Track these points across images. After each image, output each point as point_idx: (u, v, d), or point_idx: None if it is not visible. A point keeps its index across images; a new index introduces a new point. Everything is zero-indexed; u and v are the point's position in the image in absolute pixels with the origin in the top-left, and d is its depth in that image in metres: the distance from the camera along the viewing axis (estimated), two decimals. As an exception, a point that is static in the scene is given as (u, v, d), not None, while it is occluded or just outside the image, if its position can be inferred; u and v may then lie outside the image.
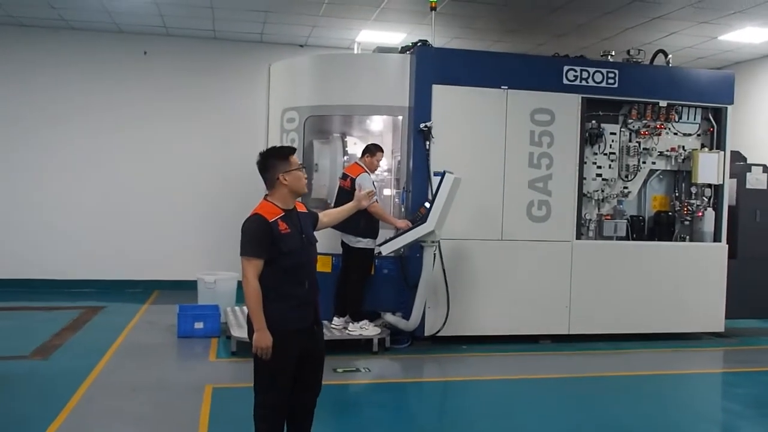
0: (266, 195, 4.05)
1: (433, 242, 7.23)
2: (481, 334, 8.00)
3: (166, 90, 11.39)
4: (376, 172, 7.82)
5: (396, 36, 10.77)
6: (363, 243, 7.37)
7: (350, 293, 7.48)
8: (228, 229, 10.90)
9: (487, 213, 7.94)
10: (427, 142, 7.75)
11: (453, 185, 7.00)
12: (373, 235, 7.44)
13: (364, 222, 7.31)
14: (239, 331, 7.28)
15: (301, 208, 4.17)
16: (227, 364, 7.07)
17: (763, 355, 8.23)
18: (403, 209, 8.00)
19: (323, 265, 8.00)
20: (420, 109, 7.79)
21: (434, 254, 7.38)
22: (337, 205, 7.52)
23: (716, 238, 8.58)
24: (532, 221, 8.06)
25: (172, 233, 11.38)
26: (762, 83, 11.09)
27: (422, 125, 7.72)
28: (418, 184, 7.80)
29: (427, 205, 7.58)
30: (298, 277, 3.96)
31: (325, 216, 4.48)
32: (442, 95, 7.80)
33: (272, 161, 4.01)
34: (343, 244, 7.55)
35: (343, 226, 7.30)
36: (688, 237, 8.65)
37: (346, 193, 7.41)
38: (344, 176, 7.60)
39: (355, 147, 8.70)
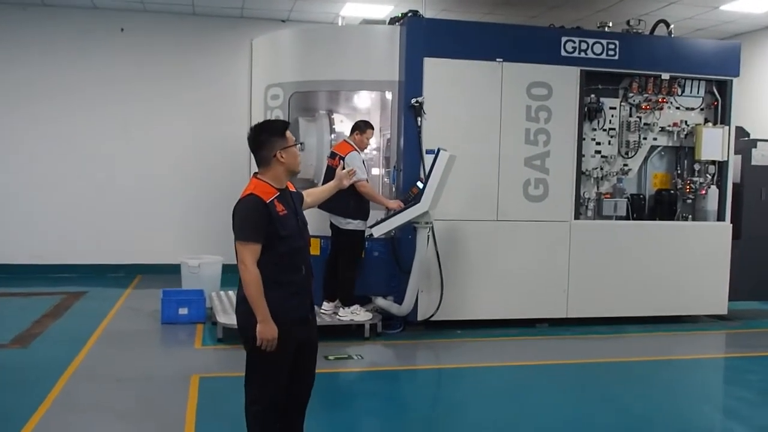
0: (256, 173, 3.70)
1: (426, 223, 6.88)
2: (476, 318, 7.69)
3: (144, 68, 10.89)
4: (365, 151, 7.45)
5: (382, 9, 10.33)
6: (353, 225, 7.02)
7: (340, 277, 7.13)
8: (211, 210, 10.70)
9: (481, 192, 7.59)
10: (419, 119, 7.37)
11: (447, 163, 6.65)
12: (364, 216, 7.08)
13: (354, 203, 6.97)
14: (225, 317, 6.95)
15: (291, 188, 3.84)
16: (213, 352, 6.74)
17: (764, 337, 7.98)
18: (393, 189, 7.64)
19: (312, 248, 7.66)
20: (411, 84, 7.40)
21: (428, 236, 7.03)
22: (325, 184, 7.17)
23: (720, 217, 8.26)
24: (528, 201, 7.72)
25: (154, 215, 10.97)
26: (766, 55, 10.67)
27: (413, 101, 7.34)
28: (410, 163, 7.44)
29: (419, 184, 7.23)
30: (295, 262, 3.64)
31: (308, 196, 4.14)
32: (433, 69, 7.42)
33: (266, 137, 3.66)
34: (332, 225, 7.20)
35: (332, 206, 6.99)
36: (690, 216, 8.33)
37: (334, 173, 7.01)
38: (332, 155, 7.23)
39: (342, 125, 8.34)
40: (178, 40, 10.97)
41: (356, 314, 7.11)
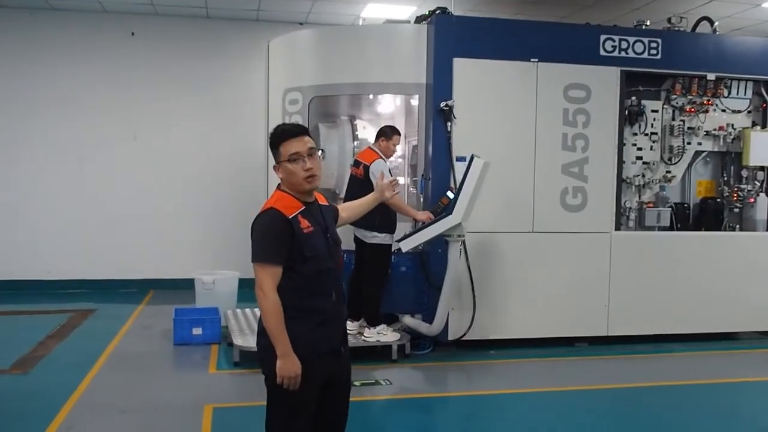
0: (279, 184, 3.24)
1: (459, 236, 6.37)
2: (510, 337, 7.15)
3: (156, 74, 10.43)
4: (391, 159, 6.96)
5: (405, 10, 9.83)
6: (379, 238, 6.52)
7: (366, 295, 6.62)
8: (228, 223, 10.23)
9: (516, 202, 7.07)
10: (449, 123, 6.87)
11: (482, 171, 6.14)
12: (391, 229, 6.58)
13: (381, 214, 6.45)
14: (242, 339, 6.47)
15: (322, 201, 3.35)
16: (229, 378, 6.24)
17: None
18: (421, 199, 7.13)
19: (333, 263, 7.19)
20: (439, 87, 6.90)
21: (460, 250, 6.53)
22: (348, 196, 6.71)
23: (769, 226, 7.71)
24: (566, 210, 7.18)
25: (167, 228, 10.48)
26: None
27: (442, 104, 6.84)
28: (439, 171, 6.93)
29: (450, 194, 6.74)
30: (323, 287, 3.16)
31: (344, 210, 3.64)
32: (464, 70, 6.92)
33: (271, 147, 3.21)
34: (356, 239, 6.70)
35: (356, 220, 6.51)
36: (737, 226, 7.77)
37: (358, 183, 6.57)
38: (356, 163, 6.74)
39: (365, 131, 7.88)
40: (191, 45, 10.50)
41: (383, 335, 6.60)
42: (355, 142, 7.60)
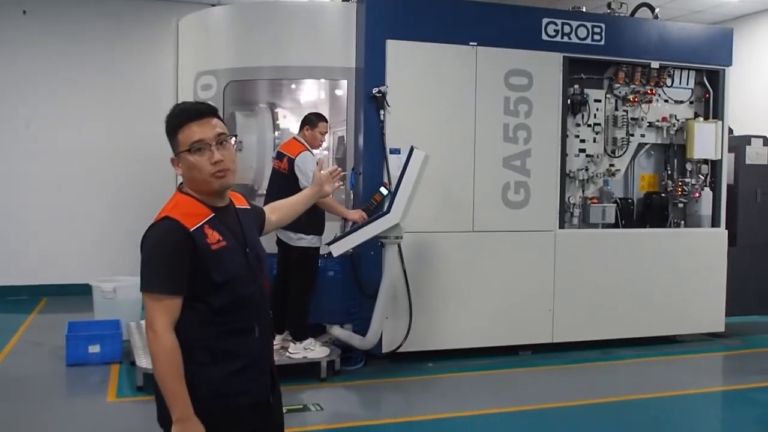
0: (181, 184, 2.46)
1: (396, 238, 5.69)
2: (449, 347, 6.53)
3: (49, 57, 9.37)
4: (317, 150, 6.22)
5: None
6: (306, 241, 5.76)
7: (292, 305, 5.84)
8: (131, 223, 9.08)
9: (454, 199, 6.45)
10: (382, 112, 6.18)
11: (422, 165, 5.48)
12: (319, 230, 5.84)
13: (307, 214, 5.59)
14: (146, 358, 5.59)
15: (241, 203, 2.58)
16: (131, 406, 5.36)
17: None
18: (351, 196, 6.42)
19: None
20: (371, 71, 6.20)
21: (398, 253, 5.86)
22: (271, 192, 5.94)
23: (714, 222, 7.37)
24: (508, 207, 6.62)
25: (63, 229, 9.43)
26: (755, 42, 9.80)
27: (375, 90, 6.14)
28: (371, 164, 6.24)
29: (383, 190, 6.08)
30: (242, 320, 2.40)
31: (273, 212, 2.89)
32: (398, 53, 6.24)
33: (167, 134, 2.41)
34: (279, 242, 5.93)
35: None
36: (683, 222, 7.41)
37: (282, 177, 5.81)
38: (279, 155, 5.96)
39: (285, 121, 7.13)
40: (91, 25, 9.49)
41: (310, 350, 5.85)
42: (276, 133, 6.83)
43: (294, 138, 6.02)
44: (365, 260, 6.16)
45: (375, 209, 6.06)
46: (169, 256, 2.27)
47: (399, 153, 6.18)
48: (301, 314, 5.85)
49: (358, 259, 6.18)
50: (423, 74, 6.33)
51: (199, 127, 2.34)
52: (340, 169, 3.12)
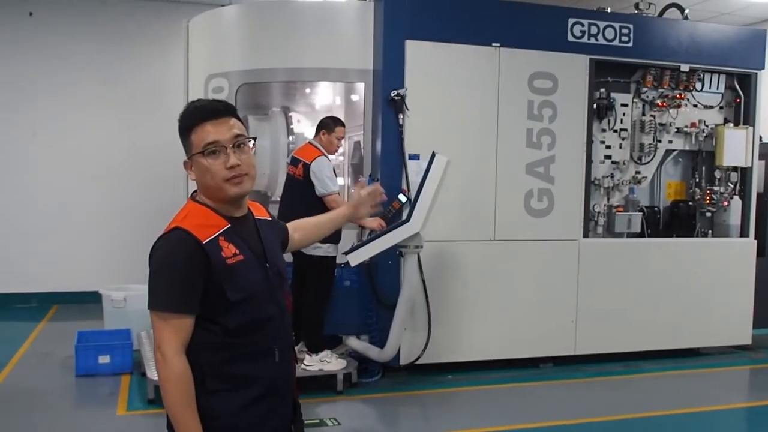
0: (194, 191, 2.24)
1: (416, 247, 5.46)
2: (469, 359, 6.30)
3: (56, 60, 9.14)
4: (334, 155, 6.01)
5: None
6: (322, 249, 5.54)
7: (307, 316, 5.63)
8: (141, 229, 8.84)
9: (476, 207, 6.22)
10: (400, 116, 5.96)
11: (444, 171, 5.25)
12: (335, 239, 5.62)
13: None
14: (155, 370, 5.39)
15: (261, 213, 2.35)
16: (143, 420, 5.16)
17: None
18: (369, 203, 6.18)
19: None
20: (389, 73, 5.98)
21: (417, 262, 5.64)
22: (285, 199, 5.74)
23: (743, 232, 7.09)
24: (531, 216, 6.38)
25: (73, 235, 9.21)
26: None
27: (393, 93, 5.92)
28: (389, 171, 6.01)
29: (402, 197, 5.85)
30: (261, 344, 2.17)
31: (297, 230, 2.66)
32: (417, 54, 6.02)
33: (180, 134, 2.20)
34: (294, 250, 5.70)
35: None
36: (710, 231, 7.14)
37: (297, 184, 5.60)
38: (294, 161, 5.74)
39: (300, 125, 6.93)
40: (98, 27, 9.24)
41: (327, 362, 5.64)
42: (290, 137, 6.63)
43: (309, 143, 5.81)
44: (383, 270, 5.94)
45: (393, 217, 5.84)
46: (179, 270, 2.06)
47: (418, 159, 5.96)
48: (316, 325, 5.63)
49: (376, 268, 5.96)
50: (443, 76, 6.10)
51: (215, 128, 2.12)
52: (382, 190, 2.85)
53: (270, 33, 6.35)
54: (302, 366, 5.61)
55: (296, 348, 5.66)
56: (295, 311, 5.64)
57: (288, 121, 6.70)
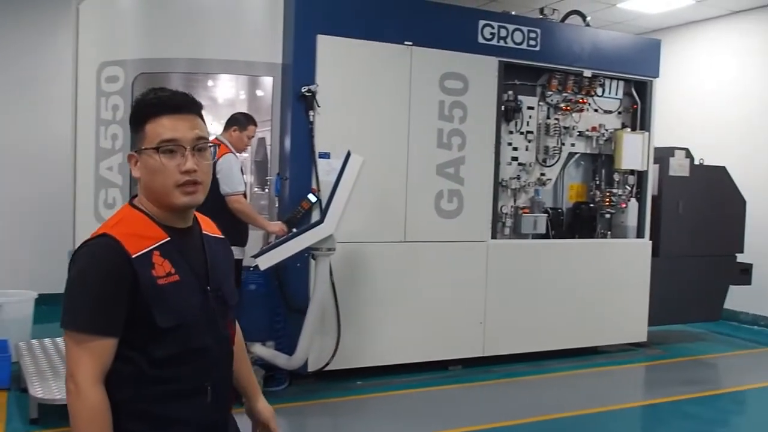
0: (134, 196, 1.97)
1: (329, 250, 5.26)
2: (378, 364, 6.16)
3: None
4: (242, 153, 5.71)
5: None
6: (229, 253, 5.22)
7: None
8: (22, 229, 8.31)
9: (387, 207, 6.08)
10: (311, 113, 5.73)
11: (359, 171, 5.08)
12: (241, 241, 5.34)
13: (228, 224, 5.15)
14: (41, 385, 4.93)
15: (211, 229, 2.10)
16: (24, 443, 4.69)
17: (701, 370, 7.15)
18: (276, 203, 5.92)
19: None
20: (300, 68, 5.74)
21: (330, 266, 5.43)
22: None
23: (639, 233, 7.34)
24: (441, 217, 6.31)
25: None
26: (674, 55, 9.80)
27: (304, 89, 5.68)
28: (298, 169, 5.77)
29: (311, 197, 5.64)
30: (190, 379, 1.90)
31: None
32: (329, 50, 5.80)
33: (132, 123, 1.92)
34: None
35: None
36: (609, 232, 7.33)
37: (203, 182, 5.23)
38: (199, 158, 5.38)
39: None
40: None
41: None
42: (192, 132, 6.24)
43: (217, 138, 5.47)
44: (291, 272, 5.70)
45: (302, 217, 5.61)
46: (100, 285, 1.78)
47: (329, 157, 5.76)
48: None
49: (284, 271, 5.70)
50: (356, 73, 5.92)
51: (175, 123, 1.87)
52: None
53: (170, 20, 5.97)
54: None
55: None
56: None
57: (190, 115, 6.32)
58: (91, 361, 1.75)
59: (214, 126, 6.47)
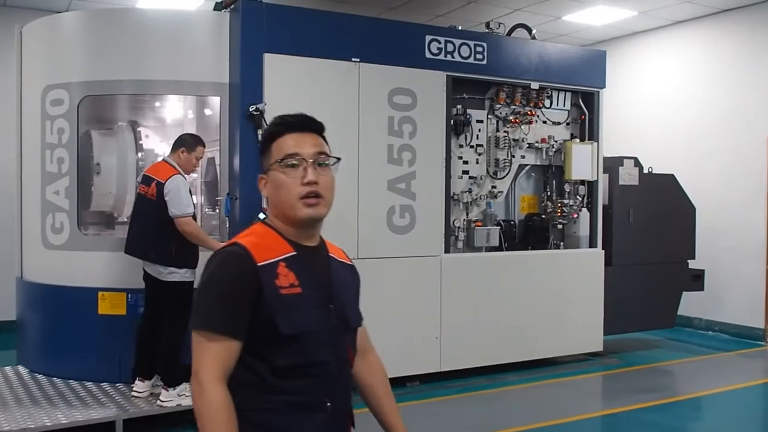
0: (264, 217, 2.11)
1: (281, 269, 5.19)
2: (336, 382, 6.10)
3: None
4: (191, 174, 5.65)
5: (192, 1, 8.53)
6: (179, 275, 5.15)
7: (162, 347, 5.20)
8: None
9: (338, 224, 6.01)
10: (260, 131, 5.69)
11: (308, 189, 5.04)
12: (192, 263, 5.25)
13: (177, 246, 5.15)
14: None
15: (338, 254, 2.16)
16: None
17: (658, 377, 7.22)
18: (227, 223, 5.86)
19: (114, 306, 5.73)
20: (247, 87, 5.72)
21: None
22: (135, 221, 5.32)
23: (592, 243, 7.43)
24: (394, 232, 6.31)
25: None
26: (619, 66, 9.94)
27: (252, 108, 5.66)
28: (249, 189, 5.71)
29: (262, 216, 5.50)
30: (309, 393, 1.94)
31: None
32: (276, 68, 5.79)
33: (262, 147, 2.11)
34: (146, 277, 5.29)
35: (145, 251, 5.18)
36: (562, 243, 7.41)
37: (149, 205, 5.19)
38: (146, 180, 5.32)
39: (150, 140, 6.51)
40: None
41: (185, 396, 5.22)
42: (139, 154, 6.18)
43: (164, 160, 5.41)
44: (244, 293, 5.63)
45: (254, 237, 5.56)
46: (227, 288, 1.88)
47: (279, 176, 5.72)
48: (172, 357, 5.19)
49: (236, 292, 5.63)
50: (304, 91, 5.90)
51: (297, 140, 2.02)
52: None
53: (115, 42, 5.92)
54: (158, 403, 5.18)
55: (150, 383, 5.27)
56: (147, 342, 5.27)
57: (136, 137, 6.26)
58: (214, 361, 1.82)
59: (163, 147, 6.42)
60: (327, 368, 1.95)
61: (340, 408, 1.99)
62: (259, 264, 1.89)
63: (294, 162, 1.98)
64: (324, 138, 2.09)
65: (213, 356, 1.83)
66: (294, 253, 1.97)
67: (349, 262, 2.19)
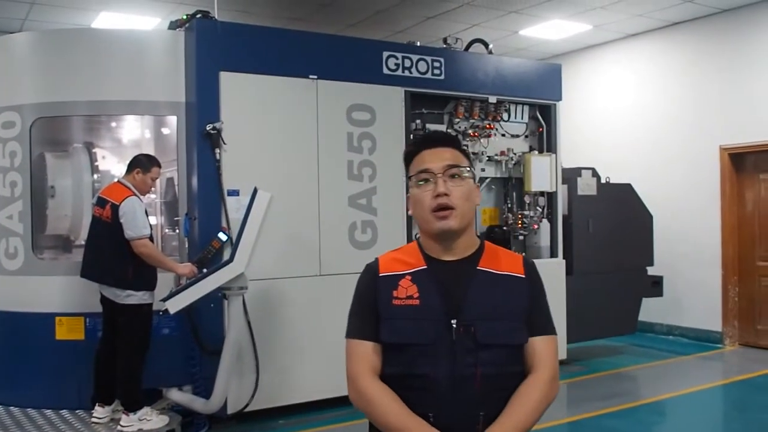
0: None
1: (241, 289, 5.16)
2: (301, 401, 6.06)
3: None
4: (146, 195, 5.58)
5: (148, 21, 8.49)
6: (136, 297, 5.09)
7: (121, 371, 5.11)
8: None
9: (300, 241, 6.04)
10: (217, 150, 5.66)
11: (267, 207, 5.03)
12: (150, 285, 5.19)
13: (135, 268, 5.08)
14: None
15: (494, 266, 2.12)
16: None
17: (621, 383, 7.30)
18: (186, 243, 5.80)
19: (72, 331, 5.63)
20: (204, 106, 5.68)
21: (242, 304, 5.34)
22: (91, 243, 5.25)
23: (553, 253, 7.50)
24: (356, 248, 6.31)
25: None
26: (576, 78, 10.12)
27: (209, 127, 5.62)
28: (207, 208, 5.68)
29: (222, 236, 5.55)
30: (413, 405, 2.01)
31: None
32: (233, 86, 5.77)
33: (405, 165, 2.22)
34: (103, 300, 5.21)
35: (101, 274, 5.11)
36: (524, 254, 7.45)
37: (105, 227, 5.12)
38: (101, 202, 5.24)
39: (106, 162, 6.41)
40: None
41: (147, 420, 5.15)
42: (95, 175, 6.09)
43: (119, 182, 5.34)
44: (205, 314, 5.57)
45: (214, 257, 5.51)
46: (357, 297, 2.16)
47: (238, 195, 5.70)
48: (132, 381, 5.12)
49: (197, 313, 5.56)
50: (261, 109, 5.90)
51: (429, 156, 2.09)
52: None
53: (68, 63, 5.85)
54: (118, 428, 5.09)
55: (110, 408, 5.18)
56: (106, 367, 5.18)
57: (92, 158, 6.16)
58: (358, 363, 2.06)
59: (120, 168, 6.34)
60: (434, 383, 1.97)
61: (450, 425, 1.97)
62: (381, 275, 2.07)
63: (426, 177, 2.07)
64: (462, 151, 2.15)
65: (355, 359, 2.07)
66: (424, 267, 2.06)
67: (519, 274, 2.14)
